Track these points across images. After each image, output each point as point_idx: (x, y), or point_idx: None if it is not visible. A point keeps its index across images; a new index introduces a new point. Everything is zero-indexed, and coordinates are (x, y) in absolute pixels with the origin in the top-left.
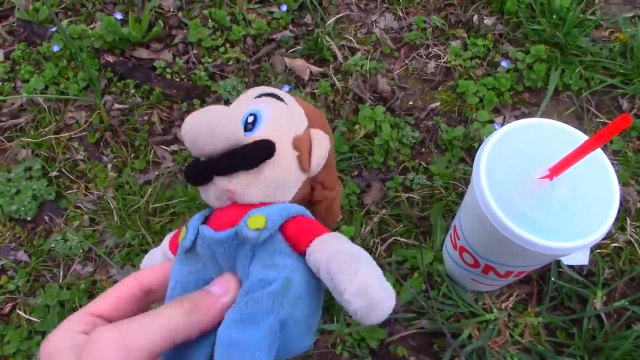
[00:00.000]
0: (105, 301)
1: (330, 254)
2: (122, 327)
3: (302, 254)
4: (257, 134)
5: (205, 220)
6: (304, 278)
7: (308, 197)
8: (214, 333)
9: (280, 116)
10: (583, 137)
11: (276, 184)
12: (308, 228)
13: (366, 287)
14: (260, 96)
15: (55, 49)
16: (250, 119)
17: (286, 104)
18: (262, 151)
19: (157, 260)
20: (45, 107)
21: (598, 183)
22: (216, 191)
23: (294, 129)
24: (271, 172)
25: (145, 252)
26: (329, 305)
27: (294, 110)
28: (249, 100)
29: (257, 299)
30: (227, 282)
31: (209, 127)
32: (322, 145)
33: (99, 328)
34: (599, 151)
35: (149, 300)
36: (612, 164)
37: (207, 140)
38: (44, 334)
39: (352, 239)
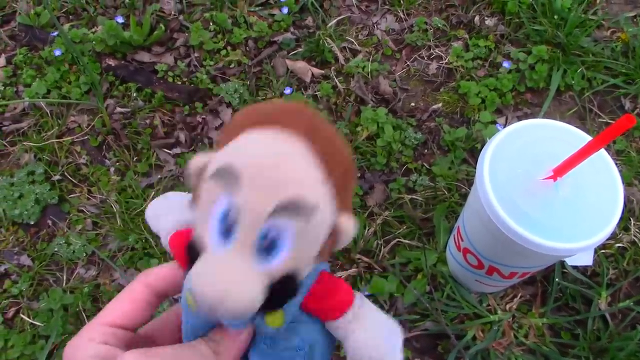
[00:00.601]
0: (121, 310)
1: (352, 349)
2: (149, 353)
3: (323, 320)
4: (274, 267)
5: None
6: (324, 336)
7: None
8: None
9: (307, 240)
10: (586, 138)
11: None
12: (329, 305)
13: None
14: (280, 209)
15: (57, 53)
16: (266, 243)
17: (315, 214)
18: (287, 295)
19: (161, 230)
20: (48, 112)
21: (602, 183)
22: None
23: (321, 241)
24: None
25: (149, 255)
26: None
27: (323, 218)
28: (264, 210)
29: None
30: (237, 336)
31: (223, 308)
32: (348, 236)
33: (128, 353)
34: (602, 151)
35: (160, 302)
36: (615, 164)
37: (228, 316)
38: (47, 338)
39: (355, 241)
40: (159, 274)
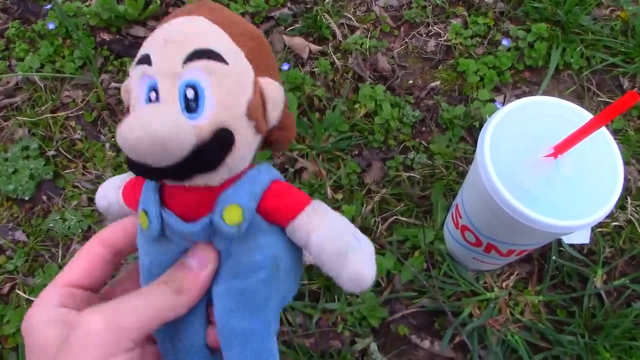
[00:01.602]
0: (77, 270)
1: (316, 244)
2: (110, 308)
3: (284, 226)
4: (205, 120)
5: (162, 200)
6: (288, 250)
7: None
8: (200, 305)
9: (227, 87)
10: (588, 115)
11: (238, 162)
12: (285, 203)
13: (357, 277)
14: (191, 57)
15: (51, 26)
16: (190, 94)
17: (227, 63)
18: (219, 145)
19: (113, 203)
20: (42, 86)
21: (602, 162)
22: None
23: (244, 95)
24: (232, 158)
25: None
26: (329, 285)
27: (237, 65)
28: (178, 64)
29: (252, 289)
30: (204, 253)
31: (152, 140)
32: (276, 99)
33: (87, 310)
34: (603, 129)
35: (118, 260)
36: None
37: (155, 156)
38: None
39: (353, 219)
40: (113, 231)
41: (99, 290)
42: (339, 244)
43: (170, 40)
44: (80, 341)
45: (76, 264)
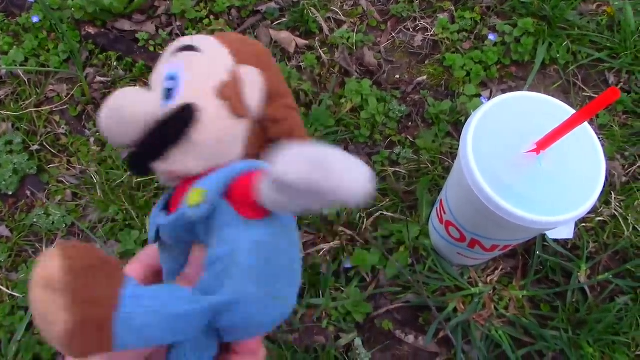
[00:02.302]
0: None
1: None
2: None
3: (255, 217)
4: (177, 100)
5: (168, 204)
6: (256, 246)
7: (262, 139)
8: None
9: (197, 69)
10: (570, 111)
11: (213, 146)
12: (245, 179)
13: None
14: (176, 52)
15: (35, 20)
16: (169, 84)
17: (201, 51)
18: (181, 119)
19: None
20: (25, 80)
21: (585, 157)
22: (163, 175)
23: (216, 76)
24: (201, 135)
25: (129, 227)
26: (314, 281)
27: (212, 53)
28: (164, 62)
29: (206, 281)
30: (197, 259)
31: (119, 114)
32: (252, 81)
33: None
34: (585, 125)
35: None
36: (598, 138)
37: (122, 129)
38: (26, 310)
39: (338, 214)
40: (151, 252)
41: None
42: (312, 160)
43: (173, 45)
44: None
45: None
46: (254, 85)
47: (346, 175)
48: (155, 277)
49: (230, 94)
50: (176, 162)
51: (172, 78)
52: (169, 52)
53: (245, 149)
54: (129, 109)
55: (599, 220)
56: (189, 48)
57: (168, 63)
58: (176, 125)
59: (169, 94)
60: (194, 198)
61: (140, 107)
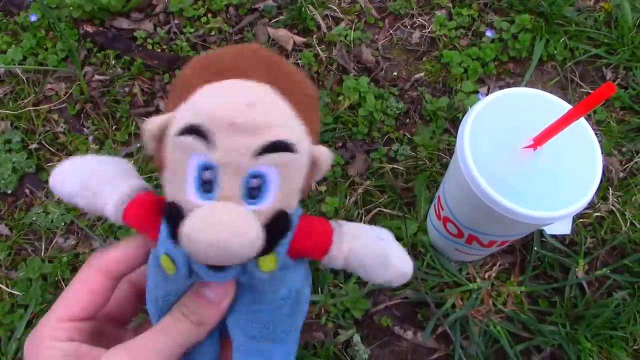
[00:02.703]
0: (80, 303)
1: (358, 266)
2: (133, 348)
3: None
4: (265, 206)
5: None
6: (307, 280)
7: None
8: (214, 333)
9: (293, 176)
10: (567, 107)
11: None
12: (314, 240)
13: (403, 274)
14: (262, 151)
15: (33, 18)
16: (255, 183)
17: (297, 152)
18: (280, 234)
19: (78, 195)
20: (24, 79)
21: (581, 153)
22: None
23: (303, 175)
24: None
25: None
26: (313, 277)
27: (305, 152)
28: (247, 157)
29: (278, 321)
30: (221, 286)
31: (230, 255)
32: (326, 168)
33: (113, 348)
34: (582, 120)
35: (118, 282)
36: (595, 134)
37: (225, 261)
38: (26, 308)
39: (336, 211)
40: (113, 258)
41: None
42: (377, 257)
43: (238, 127)
44: None
45: (76, 298)
46: (324, 169)
47: (400, 271)
48: (116, 283)
49: (306, 187)
50: None
51: (258, 177)
52: (248, 143)
53: None
54: (237, 249)
55: (597, 216)
56: (280, 147)
57: (257, 164)
58: (272, 237)
59: (252, 193)
60: (268, 265)
61: (247, 247)
